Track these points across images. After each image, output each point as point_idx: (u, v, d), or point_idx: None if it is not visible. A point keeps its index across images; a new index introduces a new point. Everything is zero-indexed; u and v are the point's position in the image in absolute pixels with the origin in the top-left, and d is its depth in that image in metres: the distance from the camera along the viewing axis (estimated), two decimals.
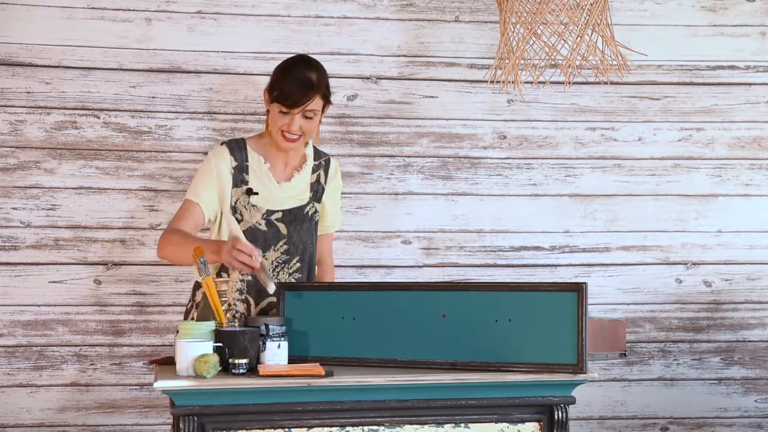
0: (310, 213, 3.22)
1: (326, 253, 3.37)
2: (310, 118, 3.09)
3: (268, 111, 3.15)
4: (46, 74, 3.84)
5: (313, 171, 3.25)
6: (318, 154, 3.28)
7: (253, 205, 3.14)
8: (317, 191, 3.25)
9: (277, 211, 3.16)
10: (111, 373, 3.87)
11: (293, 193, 3.20)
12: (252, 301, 3.15)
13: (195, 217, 3.11)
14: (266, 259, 3.13)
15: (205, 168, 3.15)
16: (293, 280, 3.16)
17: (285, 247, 3.16)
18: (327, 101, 3.13)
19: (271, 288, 2.86)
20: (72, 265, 3.86)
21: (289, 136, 3.09)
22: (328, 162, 3.29)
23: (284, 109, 3.07)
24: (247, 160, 3.16)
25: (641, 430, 4.10)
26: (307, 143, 3.25)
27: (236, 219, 3.12)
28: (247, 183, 3.14)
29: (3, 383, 3.83)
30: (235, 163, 3.15)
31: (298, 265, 3.18)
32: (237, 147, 3.17)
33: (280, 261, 3.16)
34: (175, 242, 3.01)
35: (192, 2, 3.90)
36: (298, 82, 3.06)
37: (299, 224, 3.19)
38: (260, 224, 3.14)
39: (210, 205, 3.12)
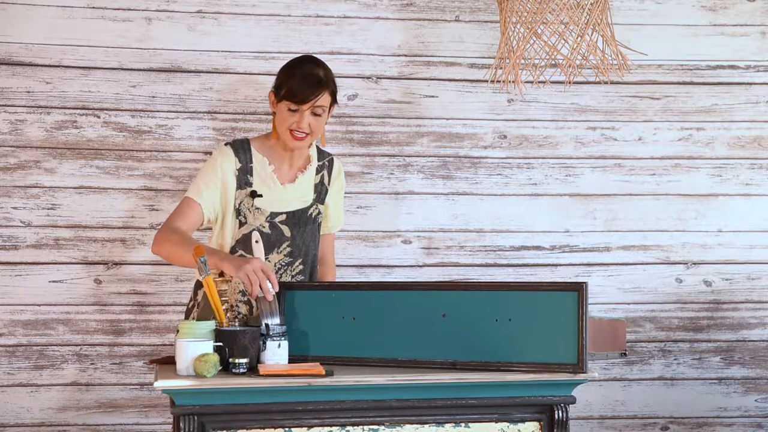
0: (313, 215, 3.21)
1: (328, 252, 3.37)
2: (319, 115, 3.09)
3: (274, 113, 3.15)
4: (47, 74, 3.84)
5: (317, 172, 3.24)
6: (321, 154, 3.28)
7: (257, 208, 3.13)
8: (321, 192, 3.24)
9: (281, 214, 3.16)
10: (111, 372, 3.87)
11: (297, 195, 3.19)
12: (254, 302, 3.14)
13: (194, 216, 3.09)
14: (269, 261, 3.13)
15: (209, 167, 3.13)
16: None
17: (288, 249, 3.16)
18: (334, 99, 3.13)
19: (263, 321, 2.80)
20: (72, 264, 3.86)
21: (297, 134, 3.08)
22: (331, 162, 3.29)
23: (293, 106, 3.06)
24: (251, 162, 3.15)
25: (641, 430, 4.10)
26: (311, 144, 3.24)
27: (239, 221, 3.12)
28: (251, 185, 3.13)
29: (3, 383, 3.83)
30: (239, 165, 3.14)
31: (301, 267, 3.18)
32: (241, 148, 3.16)
33: (283, 263, 3.15)
34: (175, 242, 2.99)
35: (192, 2, 3.90)
36: (306, 78, 3.05)
37: (303, 226, 3.18)
38: (264, 227, 3.13)
39: (211, 205, 3.11)
